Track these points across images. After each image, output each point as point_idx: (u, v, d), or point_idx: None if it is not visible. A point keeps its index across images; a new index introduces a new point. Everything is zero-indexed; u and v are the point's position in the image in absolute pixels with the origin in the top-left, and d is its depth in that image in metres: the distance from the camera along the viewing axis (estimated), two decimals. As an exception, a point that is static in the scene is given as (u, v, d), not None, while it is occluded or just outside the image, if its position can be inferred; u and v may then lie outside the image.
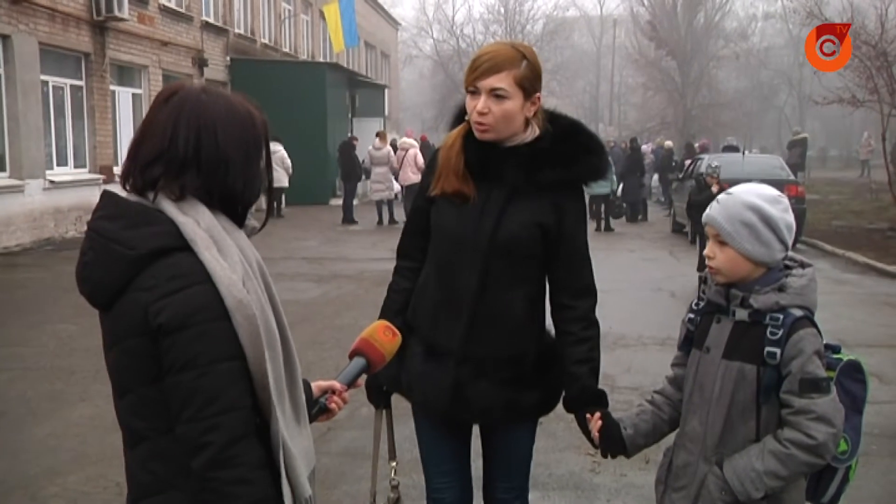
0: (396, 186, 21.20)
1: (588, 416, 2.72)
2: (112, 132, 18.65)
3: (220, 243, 1.78)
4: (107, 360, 1.86)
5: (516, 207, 2.72)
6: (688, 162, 21.19)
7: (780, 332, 2.39)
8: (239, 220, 1.90)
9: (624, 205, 21.75)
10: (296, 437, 1.88)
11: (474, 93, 2.67)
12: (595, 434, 2.71)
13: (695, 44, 42.41)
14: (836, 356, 2.53)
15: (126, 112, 19.60)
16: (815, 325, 2.43)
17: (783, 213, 2.47)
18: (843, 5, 19.99)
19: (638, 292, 10.66)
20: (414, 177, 18.71)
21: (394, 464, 2.78)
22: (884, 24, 16.93)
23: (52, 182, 16.14)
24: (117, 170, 18.51)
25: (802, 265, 2.55)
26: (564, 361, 2.79)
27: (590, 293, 2.83)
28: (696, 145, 28.19)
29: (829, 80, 20.04)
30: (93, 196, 17.30)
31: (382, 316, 2.94)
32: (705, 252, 2.55)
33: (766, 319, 2.42)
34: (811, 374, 2.36)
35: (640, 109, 46.33)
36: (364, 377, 2.20)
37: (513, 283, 2.76)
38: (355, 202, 20.99)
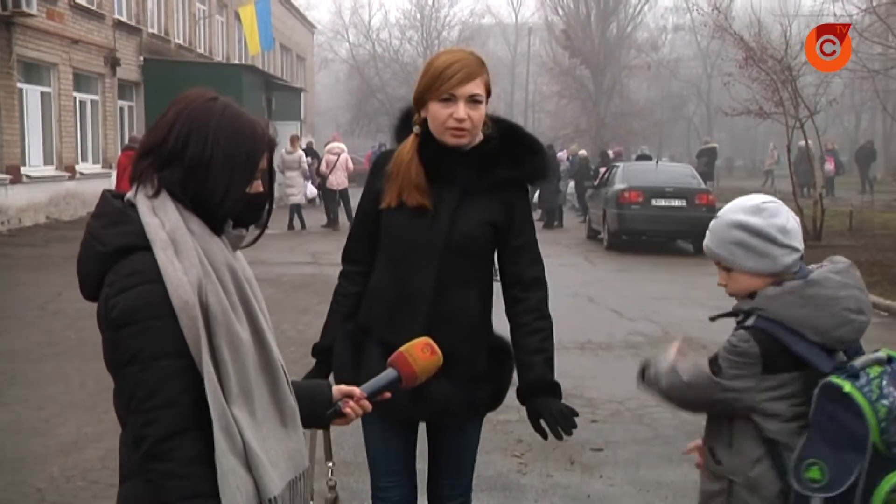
0: (311, 190, 21.15)
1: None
2: (19, 131, 18.03)
3: (180, 245, 1.83)
4: None
5: (469, 207, 2.79)
6: (603, 169, 21.59)
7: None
8: (217, 228, 1.94)
9: (540, 211, 22.04)
10: (275, 439, 1.92)
11: (448, 100, 2.70)
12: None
13: (608, 53, 43.28)
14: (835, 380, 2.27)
15: (34, 110, 19.04)
16: (763, 332, 2.36)
17: (769, 218, 2.45)
18: (751, 20, 20.56)
19: (556, 298, 10.65)
20: (346, 181, 20.35)
21: (330, 464, 2.80)
22: (788, 40, 17.53)
23: (-45, 182, 15.57)
24: (25, 169, 17.98)
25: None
26: (518, 353, 2.87)
27: (540, 285, 2.92)
28: (611, 153, 28.77)
29: (736, 92, 20.68)
30: (-1, 196, 16.77)
31: (330, 320, 2.97)
32: (718, 281, 2.56)
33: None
34: (714, 355, 2.41)
35: (555, 117, 46.96)
36: (387, 388, 2.19)
37: (467, 282, 2.84)
38: (271, 206, 20.82)
